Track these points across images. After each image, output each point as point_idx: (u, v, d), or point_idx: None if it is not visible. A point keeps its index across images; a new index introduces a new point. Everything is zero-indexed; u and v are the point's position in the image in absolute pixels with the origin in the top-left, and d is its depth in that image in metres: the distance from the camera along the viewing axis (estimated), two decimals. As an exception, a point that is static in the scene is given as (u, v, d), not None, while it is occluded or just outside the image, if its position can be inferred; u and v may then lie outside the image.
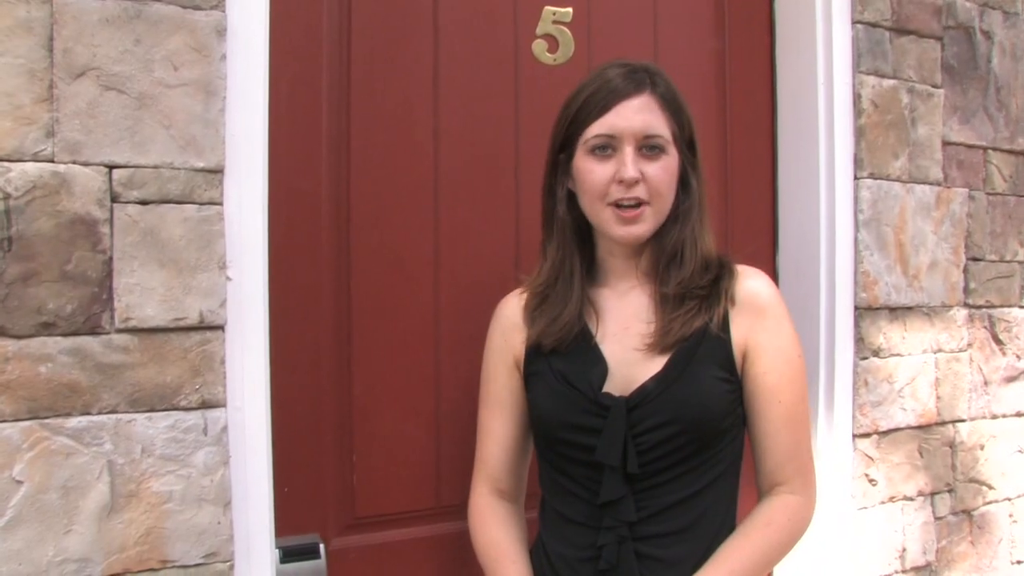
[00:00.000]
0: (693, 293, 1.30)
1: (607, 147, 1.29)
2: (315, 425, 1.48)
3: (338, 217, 1.50)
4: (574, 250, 1.37)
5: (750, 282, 1.33)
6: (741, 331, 1.30)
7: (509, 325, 1.40)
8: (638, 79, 1.30)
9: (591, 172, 1.29)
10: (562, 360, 1.33)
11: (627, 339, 1.32)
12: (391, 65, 1.55)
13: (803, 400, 1.33)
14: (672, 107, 1.31)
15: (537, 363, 1.35)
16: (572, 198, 1.36)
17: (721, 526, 1.31)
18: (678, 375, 1.27)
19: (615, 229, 1.30)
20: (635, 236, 1.30)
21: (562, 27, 1.70)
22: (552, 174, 1.37)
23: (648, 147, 1.29)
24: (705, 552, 1.27)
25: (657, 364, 1.28)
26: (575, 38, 1.71)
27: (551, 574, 1.33)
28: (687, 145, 1.34)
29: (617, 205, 1.29)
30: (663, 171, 1.29)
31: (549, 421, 1.32)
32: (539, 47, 1.68)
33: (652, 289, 1.34)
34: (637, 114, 1.28)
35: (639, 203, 1.28)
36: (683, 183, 1.34)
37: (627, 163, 1.27)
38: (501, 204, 1.63)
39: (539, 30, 1.68)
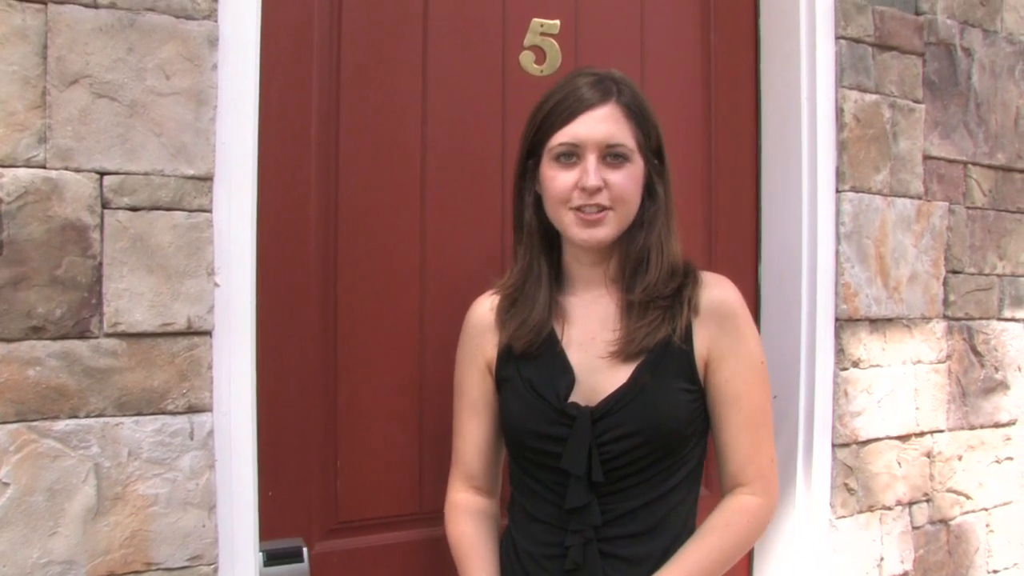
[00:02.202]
0: (657, 302, 1.32)
1: (572, 155, 1.31)
2: (300, 430, 1.49)
3: (326, 224, 1.52)
4: (541, 254, 1.39)
5: (713, 291, 1.35)
6: (703, 340, 1.33)
7: (480, 328, 1.43)
8: (604, 88, 1.31)
9: (555, 179, 1.31)
10: (531, 367, 1.35)
11: (593, 347, 1.34)
12: (380, 74, 1.57)
13: (765, 405, 1.36)
14: (637, 116, 1.33)
15: (508, 368, 1.38)
16: (540, 203, 1.38)
17: (684, 525, 1.34)
18: (642, 387, 1.29)
19: (577, 232, 1.32)
20: (596, 240, 1.32)
21: (549, 39, 1.72)
22: (521, 179, 1.40)
23: (612, 155, 1.30)
24: (668, 550, 1.30)
25: (622, 374, 1.31)
26: (562, 50, 1.73)
27: (518, 568, 1.36)
28: (653, 153, 1.36)
29: (579, 209, 1.31)
30: (626, 179, 1.31)
31: (518, 429, 1.35)
32: (526, 58, 1.70)
33: (619, 297, 1.36)
34: (601, 123, 1.30)
35: (602, 208, 1.30)
36: (649, 191, 1.36)
37: (589, 171, 1.29)
38: (487, 212, 1.65)
39: (527, 41, 1.71)
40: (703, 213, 1.91)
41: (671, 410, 1.30)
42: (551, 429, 1.31)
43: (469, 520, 1.40)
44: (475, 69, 1.66)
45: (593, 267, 1.38)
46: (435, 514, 1.54)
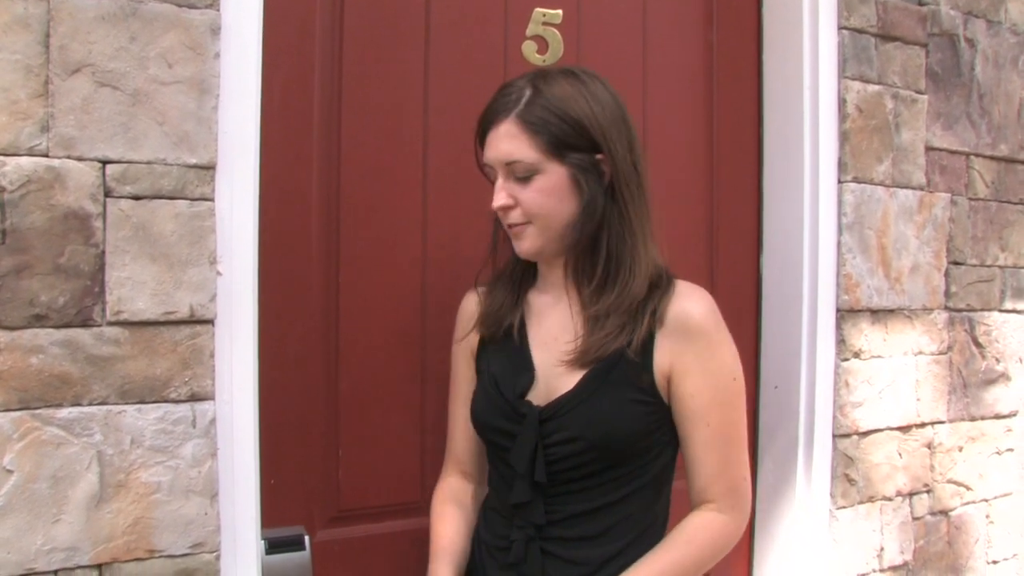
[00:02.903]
0: (619, 310, 1.27)
1: (492, 172, 1.32)
2: (302, 419, 1.50)
3: (328, 214, 1.52)
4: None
5: (683, 303, 1.28)
6: (665, 353, 1.27)
7: (467, 318, 1.45)
8: (504, 103, 1.28)
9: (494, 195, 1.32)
10: (498, 362, 1.37)
11: (554, 349, 1.32)
12: (382, 64, 1.57)
13: (735, 423, 1.30)
14: (536, 124, 1.25)
15: (482, 360, 1.41)
16: None
17: (643, 534, 1.30)
18: (588, 395, 1.27)
19: (512, 244, 1.34)
20: (523, 252, 1.33)
21: (552, 29, 1.72)
22: None
23: (515, 173, 1.28)
24: (614, 557, 1.27)
25: (575, 378, 1.28)
26: (564, 40, 1.73)
27: (475, 555, 1.40)
28: (577, 149, 1.26)
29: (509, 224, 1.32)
30: (536, 193, 1.27)
31: (478, 421, 1.38)
32: (529, 48, 1.70)
33: (578, 301, 1.33)
34: (500, 143, 1.27)
35: (521, 223, 1.30)
36: (608, 190, 1.28)
37: (496, 193, 1.30)
38: (488, 202, 1.65)
39: (529, 31, 1.70)
40: (705, 204, 1.91)
41: (617, 420, 1.25)
42: (505, 424, 1.32)
43: (448, 503, 1.44)
44: (477, 58, 1.66)
45: (551, 268, 1.37)
46: (436, 503, 1.54)
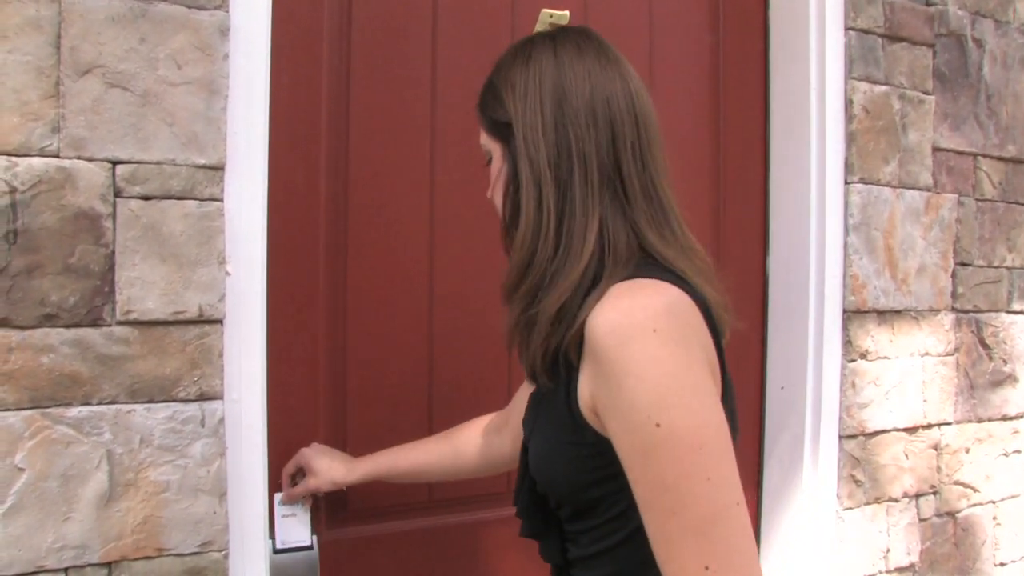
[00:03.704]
0: (540, 323, 0.97)
1: None
2: (310, 418, 1.51)
3: (336, 214, 1.53)
4: None
5: (596, 316, 0.89)
6: (586, 384, 0.92)
7: None
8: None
9: None
10: None
11: None
12: (390, 65, 1.57)
13: (671, 489, 0.84)
14: (482, 104, 1.09)
15: None
16: None
17: None
18: (532, 429, 1.06)
19: None
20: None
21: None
22: None
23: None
24: None
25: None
26: (572, 41, 1.73)
27: None
28: (517, 131, 1.02)
29: None
30: (492, 179, 1.10)
31: None
32: (536, 50, 1.70)
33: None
34: None
35: None
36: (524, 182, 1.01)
37: None
38: (496, 204, 1.66)
39: (536, 31, 1.70)
40: (711, 205, 1.92)
41: (549, 466, 1.00)
42: None
43: (446, 435, 1.43)
44: (484, 59, 1.65)
45: None
46: (445, 502, 1.55)
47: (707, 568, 0.83)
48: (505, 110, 1.03)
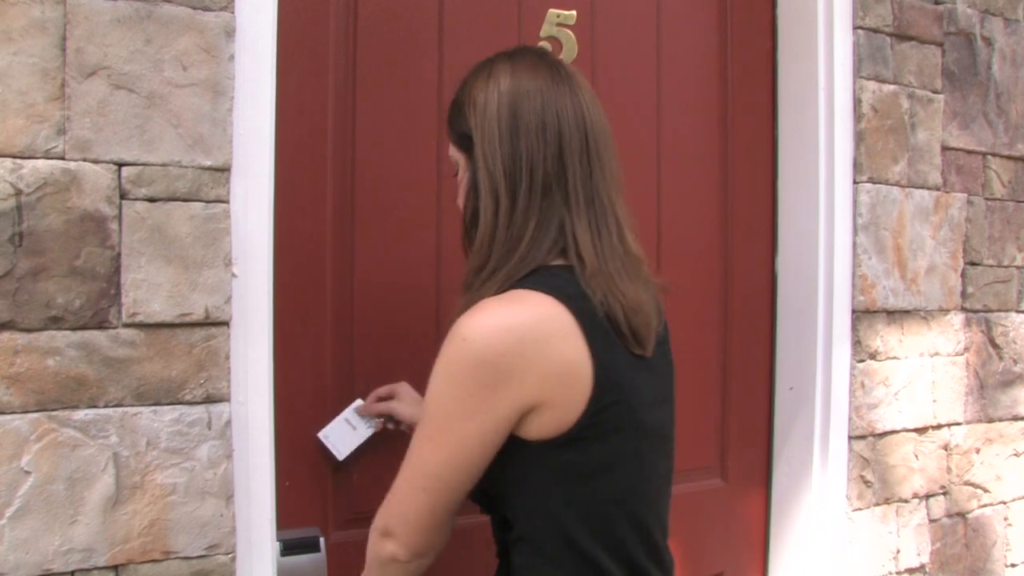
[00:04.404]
0: None
1: None
2: (317, 420, 1.50)
3: (342, 215, 1.52)
4: None
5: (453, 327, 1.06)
6: None
7: None
8: None
9: None
10: None
11: None
12: (396, 64, 1.57)
13: (413, 457, 1.10)
14: (449, 123, 1.18)
15: None
16: None
17: None
18: None
19: None
20: None
21: (566, 30, 1.71)
22: None
23: None
24: None
25: None
26: (579, 41, 1.72)
27: None
28: (476, 143, 1.12)
29: None
30: (458, 190, 1.19)
31: None
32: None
33: None
34: None
35: None
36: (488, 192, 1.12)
37: None
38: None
39: (543, 32, 1.70)
40: (719, 205, 1.91)
41: None
42: None
43: None
44: (491, 60, 1.65)
45: None
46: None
47: (400, 513, 1.11)
48: (468, 124, 1.13)
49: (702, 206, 1.88)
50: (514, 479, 1.08)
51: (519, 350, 1.00)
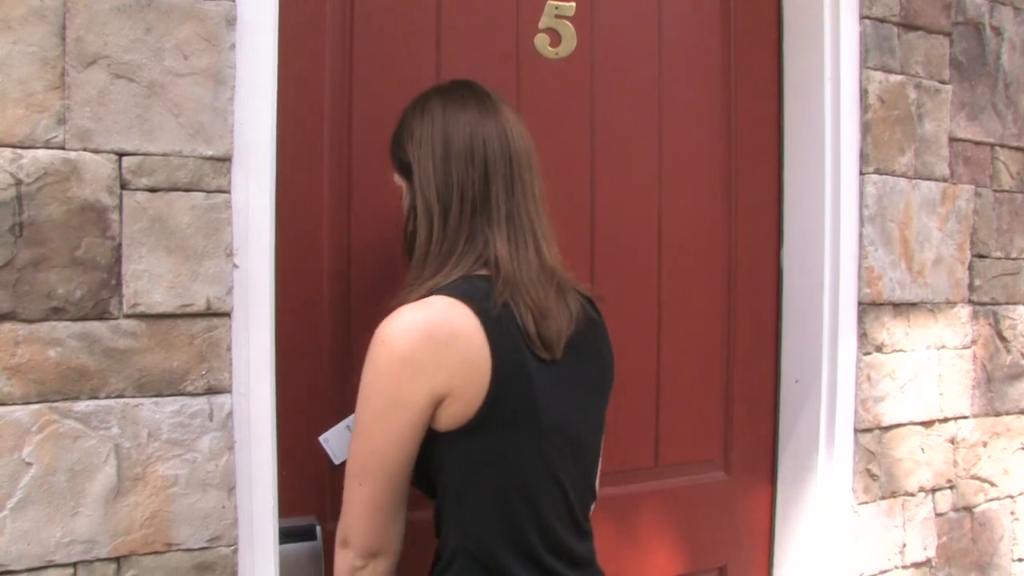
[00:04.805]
0: None
1: None
2: (314, 410, 1.50)
3: (339, 207, 1.52)
4: None
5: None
6: None
7: None
8: None
9: None
10: None
11: None
12: (393, 55, 1.56)
13: (352, 464, 1.18)
14: (392, 153, 1.30)
15: None
16: None
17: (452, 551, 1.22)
18: None
19: None
20: None
21: (565, 21, 1.70)
22: None
23: None
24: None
25: None
26: (577, 32, 1.71)
27: None
28: (414, 171, 1.24)
29: None
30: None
31: None
32: (541, 41, 1.68)
33: None
34: None
35: None
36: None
37: None
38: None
39: (542, 24, 1.69)
40: (724, 197, 1.89)
41: None
42: None
43: None
44: (490, 50, 1.65)
45: None
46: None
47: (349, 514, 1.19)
48: (406, 154, 1.25)
49: (706, 198, 1.87)
50: (436, 467, 1.19)
51: (431, 346, 1.11)
